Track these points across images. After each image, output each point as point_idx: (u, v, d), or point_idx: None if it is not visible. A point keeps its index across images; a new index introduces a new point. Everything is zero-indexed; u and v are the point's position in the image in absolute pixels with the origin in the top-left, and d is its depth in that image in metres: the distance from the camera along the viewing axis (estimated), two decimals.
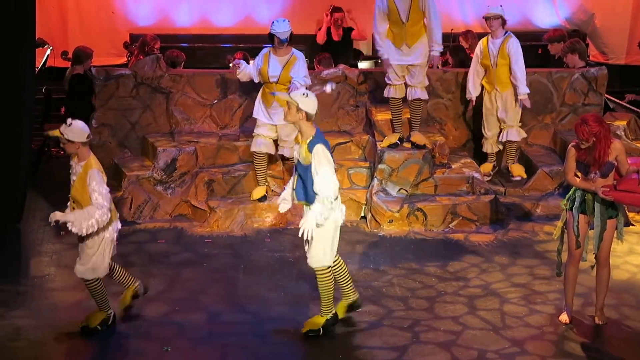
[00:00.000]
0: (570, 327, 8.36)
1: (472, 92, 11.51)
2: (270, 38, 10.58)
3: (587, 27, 16.08)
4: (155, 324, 8.40)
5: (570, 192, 8.34)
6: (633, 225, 11.02)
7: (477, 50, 11.45)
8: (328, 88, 7.93)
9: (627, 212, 11.04)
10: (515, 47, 11.17)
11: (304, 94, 7.86)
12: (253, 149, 10.85)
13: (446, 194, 11.12)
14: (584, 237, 8.26)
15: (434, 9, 10.57)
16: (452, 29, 14.09)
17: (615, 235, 8.29)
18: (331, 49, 13.72)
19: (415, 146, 11.10)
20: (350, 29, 14.46)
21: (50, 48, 13.76)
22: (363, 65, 13.70)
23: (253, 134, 10.85)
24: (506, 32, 11.28)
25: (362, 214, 11.13)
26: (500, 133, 11.54)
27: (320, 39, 14.39)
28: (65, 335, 8.11)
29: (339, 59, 13.02)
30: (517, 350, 7.97)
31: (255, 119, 10.86)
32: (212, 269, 9.67)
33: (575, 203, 8.22)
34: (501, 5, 11.32)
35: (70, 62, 12.95)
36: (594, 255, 8.35)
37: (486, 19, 11.28)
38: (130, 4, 15.35)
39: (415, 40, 10.59)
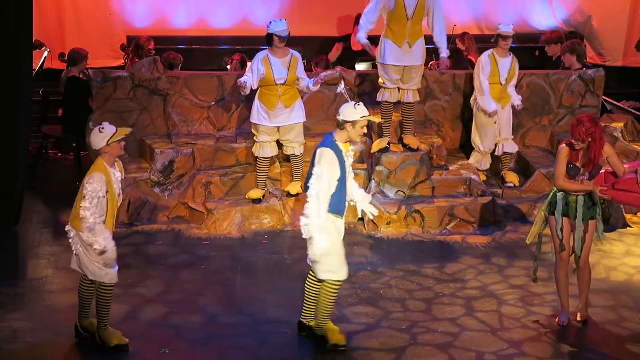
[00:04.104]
0: (567, 328, 8.38)
1: (495, 105, 11.28)
2: (268, 39, 10.55)
3: (584, 29, 16.08)
4: (152, 325, 8.39)
5: (550, 197, 8.37)
6: (630, 226, 11.03)
7: (486, 67, 11.23)
8: (340, 88, 7.97)
9: (625, 214, 11.07)
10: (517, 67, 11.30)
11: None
12: (259, 154, 10.85)
13: (443, 195, 11.13)
14: (567, 239, 8.29)
15: (440, 10, 10.55)
16: (454, 25, 14.01)
17: (595, 235, 8.32)
18: (351, 57, 13.71)
19: (409, 148, 11.10)
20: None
21: (47, 50, 13.74)
22: (360, 67, 13.69)
23: (256, 140, 10.83)
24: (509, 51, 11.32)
25: (360, 216, 11.12)
26: (495, 147, 11.54)
27: (333, 58, 14.21)
28: (63, 338, 8.10)
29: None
30: (514, 352, 7.98)
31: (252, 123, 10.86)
32: (209, 271, 9.66)
33: (558, 206, 8.24)
34: (512, 24, 11.33)
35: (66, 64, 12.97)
36: (573, 257, 8.38)
37: (502, 37, 11.16)
38: (127, 6, 15.32)
39: (417, 38, 10.56)
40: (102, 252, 7.59)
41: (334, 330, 8.01)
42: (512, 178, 11.68)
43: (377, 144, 11.20)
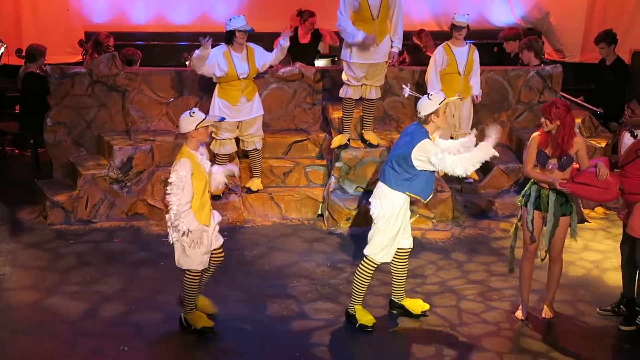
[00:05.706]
0: (526, 323, 8.43)
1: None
2: (228, 36, 10.50)
3: (543, 25, 16.20)
4: (112, 323, 8.35)
5: (525, 188, 8.39)
6: (588, 222, 11.12)
7: (439, 58, 11.19)
8: (406, 91, 8.22)
9: (582, 209, 11.14)
10: (478, 57, 11.27)
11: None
12: (219, 152, 10.82)
13: None
14: (538, 232, 8.30)
15: (400, 6, 10.58)
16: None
17: (568, 232, 8.35)
18: (299, 51, 13.70)
19: (369, 144, 11.13)
20: (318, 33, 14.38)
21: (4, 46, 13.63)
22: (320, 63, 13.69)
23: (215, 138, 10.76)
24: (466, 41, 11.30)
25: (319, 212, 11.14)
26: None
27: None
28: (21, 336, 8.04)
29: (305, 60, 13.01)
30: (473, 347, 8.02)
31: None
32: (169, 268, 9.56)
33: (530, 198, 8.26)
34: (468, 14, 11.33)
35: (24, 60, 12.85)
36: (545, 252, 8.42)
37: (455, 27, 11.20)
38: (85, 1, 15.22)
39: (383, 37, 10.52)
40: (187, 233, 7.86)
41: (364, 311, 8.36)
42: (471, 174, 11.71)
43: (338, 140, 11.20)
